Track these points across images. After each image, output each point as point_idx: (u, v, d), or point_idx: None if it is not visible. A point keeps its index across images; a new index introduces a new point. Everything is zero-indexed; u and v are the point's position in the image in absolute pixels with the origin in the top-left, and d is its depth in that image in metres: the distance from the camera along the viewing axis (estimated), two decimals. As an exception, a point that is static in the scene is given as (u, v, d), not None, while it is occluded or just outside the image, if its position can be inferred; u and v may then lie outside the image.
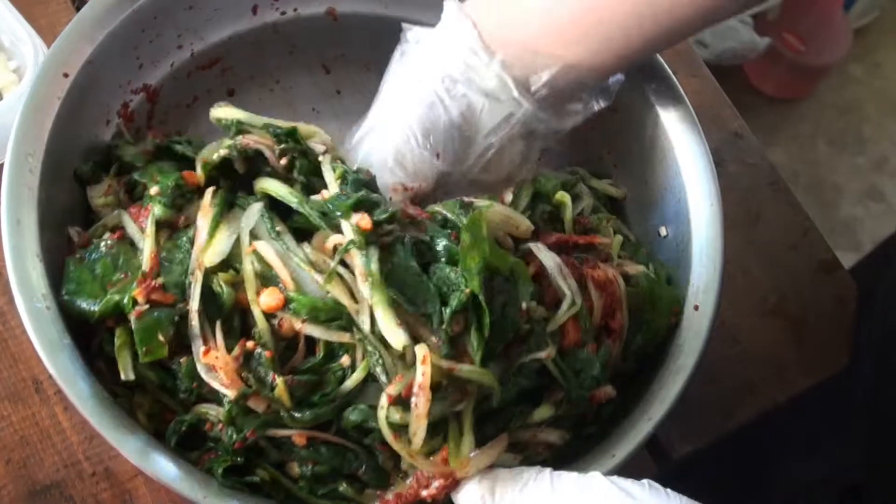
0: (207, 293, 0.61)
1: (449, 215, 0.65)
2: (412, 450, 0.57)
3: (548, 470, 0.54)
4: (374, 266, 0.59)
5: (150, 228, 0.63)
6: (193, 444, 0.62)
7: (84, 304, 0.62)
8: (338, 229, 0.62)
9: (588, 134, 0.77)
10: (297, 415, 0.59)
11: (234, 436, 0.60)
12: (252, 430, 0.60)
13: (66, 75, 0.67)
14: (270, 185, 0.66)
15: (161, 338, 0.59)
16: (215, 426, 0.61)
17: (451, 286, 0.60)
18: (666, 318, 0.69)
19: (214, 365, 0.59)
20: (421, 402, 0.56)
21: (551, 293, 0.64)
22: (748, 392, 0.87)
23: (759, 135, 1.02)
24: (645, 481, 0.51)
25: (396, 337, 0.58)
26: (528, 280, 0.62)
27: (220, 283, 0.61)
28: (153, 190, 0.65)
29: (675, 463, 0.83)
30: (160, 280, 0.61)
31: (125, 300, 0.60)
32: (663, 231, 0.75)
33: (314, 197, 0.65)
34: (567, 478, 0.53)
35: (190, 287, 0.61)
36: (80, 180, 0.70)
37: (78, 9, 0.89)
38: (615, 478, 0.52)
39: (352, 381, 0.59)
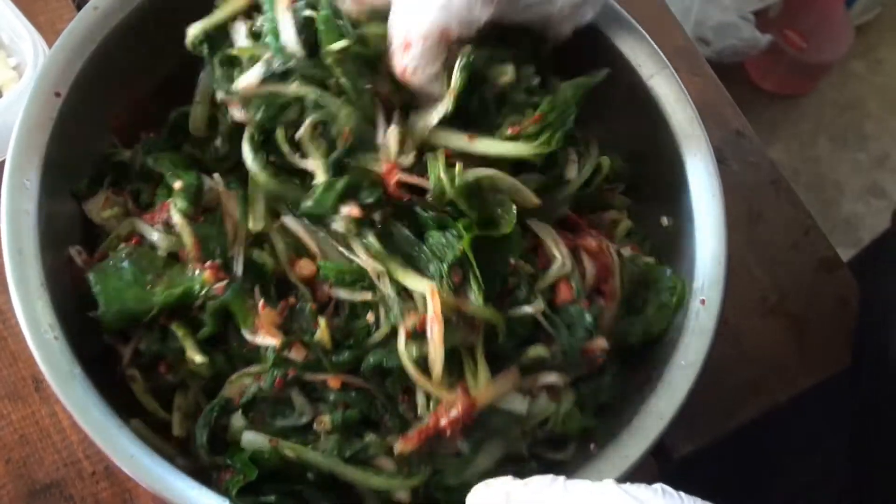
0: (250, 265, 0.66)
1: (448, 190, 0.64)
2: (434, 381, 0.62)
3: (561, 478, 0.54)
4: (377, 245, 0.64)
5: (180, 219, 0.66)
6: (218, 451, 0.64)
7: (134, 306, 0.64)
8: (320, 220, 0.66)
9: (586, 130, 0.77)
10: (335, 358, 0.65)
11: (277, 373, 0.63)
12: (293, 369, 0.64)
13: (57, 94, 0.66)
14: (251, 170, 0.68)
15: (252, 301, 0.64)
16: (250, 387, 0.64)
17: (443, 248, 0.64)
18: (670, 303, 0.70)
19: (261, 322, 0.64)
20: (435, 331, 0.61)
21: (544, 259, 0.69)
22: (749, 392, 0.87)
23: (761, 132, 1.01)
24: (657, 486, 0.51)
25: (420, 283, 0.63)
26: (520, 240, 0.67)
27: (262, 256, 0.66)
28: (177, 185, 0.67)
29: (676, 463, 0.83)
30: (217, 261, 0.64)
31: (195, 286, 0.63)
32: (664, 221, 0.75)
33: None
34: (580, 485, 0.53)
35: (233, 261, 0.66)
36: (77, 197, 0.70)
37: (78, 7, 0.88)
38: (627, 485, 0.51)
39: (379, 334, 0.65)
